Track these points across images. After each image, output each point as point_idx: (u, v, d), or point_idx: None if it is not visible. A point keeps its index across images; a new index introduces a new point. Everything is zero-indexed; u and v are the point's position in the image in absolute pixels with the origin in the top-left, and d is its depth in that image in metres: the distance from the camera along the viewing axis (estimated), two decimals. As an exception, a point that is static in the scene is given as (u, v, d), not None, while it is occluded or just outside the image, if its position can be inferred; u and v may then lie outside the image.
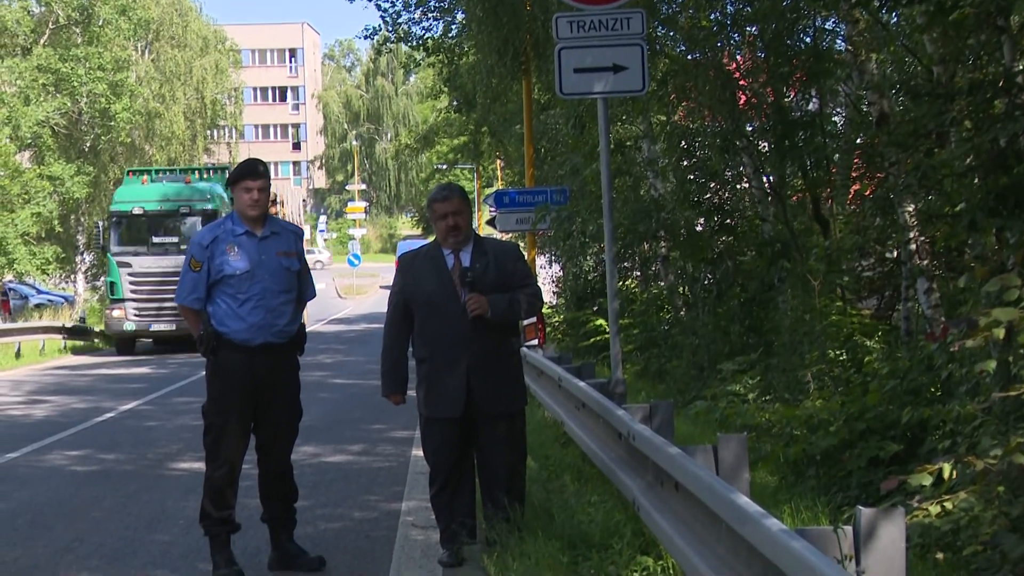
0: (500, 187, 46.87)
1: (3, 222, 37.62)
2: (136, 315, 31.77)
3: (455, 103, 40.97)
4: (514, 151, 38.49)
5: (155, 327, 31.76)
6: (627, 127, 23.92)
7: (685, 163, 19.22)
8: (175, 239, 31.50)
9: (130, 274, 31.74)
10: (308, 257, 9.30)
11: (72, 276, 50.97)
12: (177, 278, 29.12)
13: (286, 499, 8.24)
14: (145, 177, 33.88)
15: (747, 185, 18.59)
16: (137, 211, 31.94)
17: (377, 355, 8.65)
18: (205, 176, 34.63)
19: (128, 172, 35.76)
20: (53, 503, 10.90)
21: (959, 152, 9.59)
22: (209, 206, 31.65)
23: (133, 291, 31.73)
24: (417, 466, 11.59)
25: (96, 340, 36.40)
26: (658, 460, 7.20)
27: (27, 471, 12.87)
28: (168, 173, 35.24)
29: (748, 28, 17.13)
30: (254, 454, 8.17)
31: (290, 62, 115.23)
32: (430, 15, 31.44)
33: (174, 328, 30.72)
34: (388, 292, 8.62)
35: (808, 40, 16.53)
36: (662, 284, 23.26)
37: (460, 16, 30.78)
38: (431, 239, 8.58)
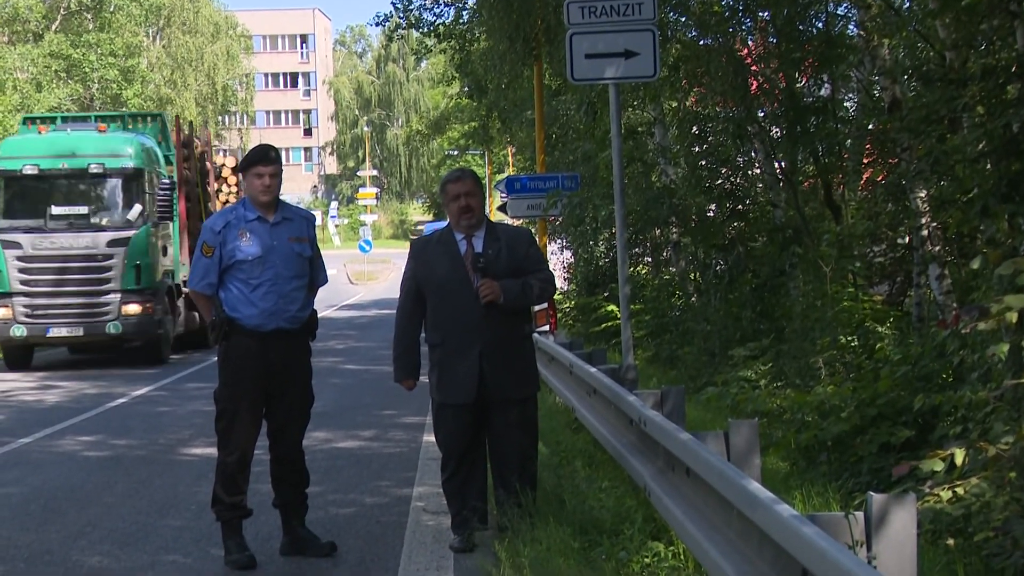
0: (511, 173, 46.87)
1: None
2: (29, 316, 22.57)
3: (466, 89, 40.93)
4: (525, 137, 38.46)
5: (54, 332, 22.66)
6: (638, 113, 23.90)
7: (697, 149, 19.23)
8: (83, 209, 22.94)
9: (20, 258, 22.49)
10: None
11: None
12: (88, 263, 22.51)
13: (298, 484, 8.26)
14: (45, 126, 24.51)
15: (759, 171, 18.59)
16: (29, 170, 22.64)
17: (389, 341, 8.66)
18: (129, 125, 25.88)
19: (24, 120, 26.74)
20: (65, 488, 10.93)
21: (971, 138, 9.57)
22: (130, 164, 22.93)
23: (25, 282, 22.56)
24: (428, 451, 11.61)
25: None
26: (669, 446, 7.20)
27: (40, 456, 12.91)
28: (78, 121, 26.22)
29: (760, 13, 17.12)
30: (266, 440, 8.19)
31: (301, 48, 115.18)
32: (441, 1, 31.41)
33: (81, 333, 22.73)
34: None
35: (820, 25, 16.52)
36: (673, 270, 23.26)
37: (471, 2, 30.75)
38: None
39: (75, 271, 22.68)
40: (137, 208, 22.93)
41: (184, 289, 23.61)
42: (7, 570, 8.02)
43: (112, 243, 22.65)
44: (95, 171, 22.80)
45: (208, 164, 28.79)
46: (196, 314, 24.22)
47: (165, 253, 24.13)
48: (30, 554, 8.46)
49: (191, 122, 38.09)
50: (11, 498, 10.57)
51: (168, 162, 25.15)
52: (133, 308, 22.76)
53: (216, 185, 29.11)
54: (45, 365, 23.93)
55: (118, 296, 22.74)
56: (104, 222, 22.93)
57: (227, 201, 28.21)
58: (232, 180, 29.25)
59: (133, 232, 22.81)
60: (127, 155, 23.05)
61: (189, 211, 25.92)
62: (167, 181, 24.03)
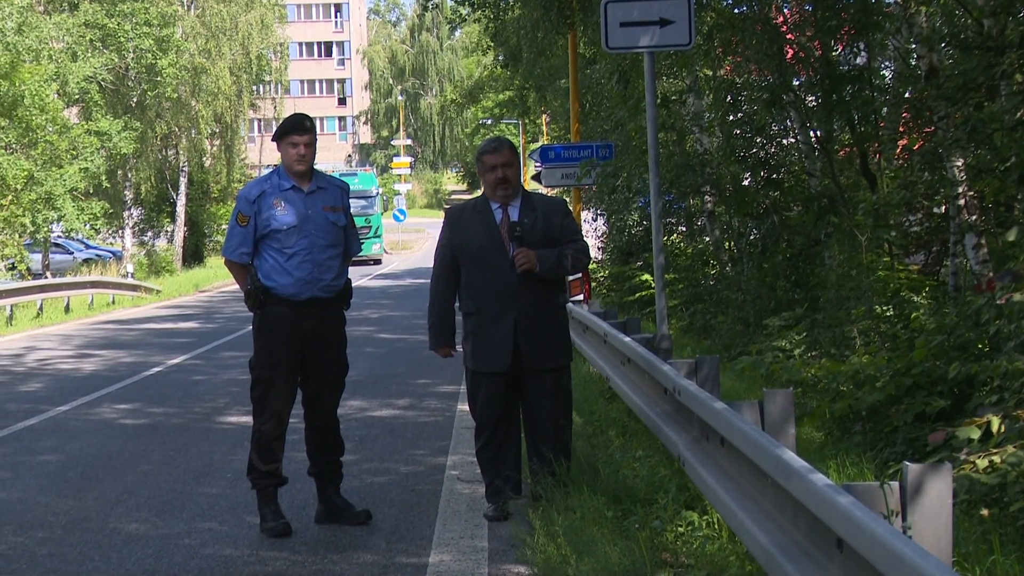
0: (545, 142, 46.78)
1: (52, 177, 37.70)
2: None
3: (500, 58, 40.83)
4: (559, 106, 38.34)
5: None
6: (672, 81, 23.79)
7: (731, 117, 19.10)
8: None
9: None
10: None
11: (120, 231, 51.27)
12: None
13: (333, 453, 8.29)
14: None
15: (794, 140, 18.48)
16: None
17: (423, 310, 8.67)
18: None
19: None
20: (102, 456, 11.01)
21: (1009, 106, 9.51)
22: None
23: None
24: (463, 420, 11.64)
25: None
26: (704, 415, 7.19)
27: (77, 424, 13.00)
28: None
29: (796, -19, 17.00)
30: (301, 408, 8.23)
31: (335, 17, 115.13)
32: (475, -31, 31.28)
33: None
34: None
35: (856, -8, 16.37)
36: (708, 239, 23.18)
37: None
38: (477, 194, 8.58)
39: None
40: None
41: None
42: (46, 536, 8.10)
43: None
44: None
45: None
46: None
47: None
48: (68, 521, 8.53)
49: None
50: (49, 465, 10.66)
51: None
52: None
53: None
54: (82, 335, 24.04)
55: None
56: None
57: None
58: None
59: None
60: None
61: None
62: None
